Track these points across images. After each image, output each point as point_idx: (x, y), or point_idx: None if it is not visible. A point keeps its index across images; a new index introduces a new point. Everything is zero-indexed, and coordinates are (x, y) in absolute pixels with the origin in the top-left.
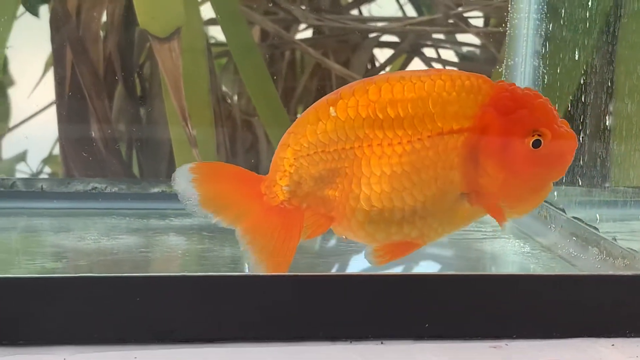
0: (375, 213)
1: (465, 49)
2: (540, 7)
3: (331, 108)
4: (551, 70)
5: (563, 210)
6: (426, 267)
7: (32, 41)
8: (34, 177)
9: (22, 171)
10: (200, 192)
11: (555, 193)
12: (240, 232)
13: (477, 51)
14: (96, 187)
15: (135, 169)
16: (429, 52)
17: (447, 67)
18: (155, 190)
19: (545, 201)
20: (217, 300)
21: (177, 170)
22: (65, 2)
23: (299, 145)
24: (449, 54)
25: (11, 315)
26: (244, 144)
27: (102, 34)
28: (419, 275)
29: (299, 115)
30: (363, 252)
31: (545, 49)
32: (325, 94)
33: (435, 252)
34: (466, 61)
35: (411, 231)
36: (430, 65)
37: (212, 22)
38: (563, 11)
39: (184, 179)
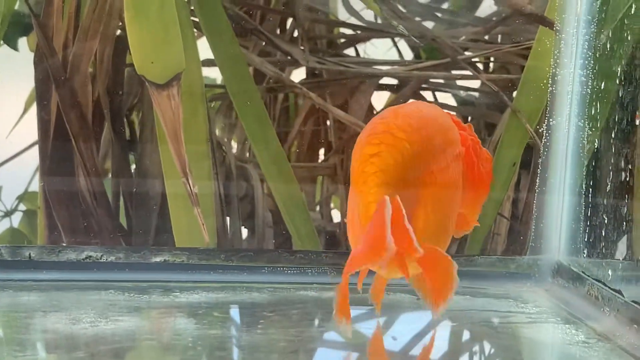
0: None
1: (468, 93)
2: (587, 62)
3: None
4: (603, 134)
5: (620, 292)
6: None
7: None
8: (22, 245)
9: None
10: None
11: (610, 272)
12: None
13: (483, 96)
14: (90, 256)
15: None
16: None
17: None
18: (157, 259)
19: (597, 280)
20: None
21: None
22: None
23: None
24: (447, 98)
25: None
26: (239, 191)
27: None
28: None
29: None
30: None
31: (596, 109)
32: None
33: (482, 340)
34: (469, 106)
35: None
36: None
37: (206, 63)
38: (619, 69)
39: None
